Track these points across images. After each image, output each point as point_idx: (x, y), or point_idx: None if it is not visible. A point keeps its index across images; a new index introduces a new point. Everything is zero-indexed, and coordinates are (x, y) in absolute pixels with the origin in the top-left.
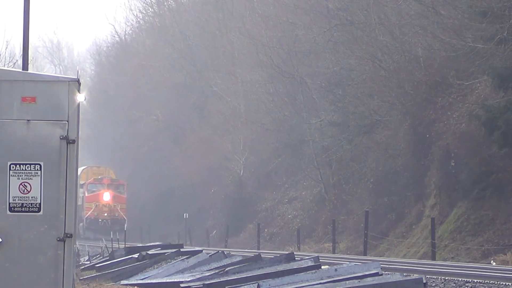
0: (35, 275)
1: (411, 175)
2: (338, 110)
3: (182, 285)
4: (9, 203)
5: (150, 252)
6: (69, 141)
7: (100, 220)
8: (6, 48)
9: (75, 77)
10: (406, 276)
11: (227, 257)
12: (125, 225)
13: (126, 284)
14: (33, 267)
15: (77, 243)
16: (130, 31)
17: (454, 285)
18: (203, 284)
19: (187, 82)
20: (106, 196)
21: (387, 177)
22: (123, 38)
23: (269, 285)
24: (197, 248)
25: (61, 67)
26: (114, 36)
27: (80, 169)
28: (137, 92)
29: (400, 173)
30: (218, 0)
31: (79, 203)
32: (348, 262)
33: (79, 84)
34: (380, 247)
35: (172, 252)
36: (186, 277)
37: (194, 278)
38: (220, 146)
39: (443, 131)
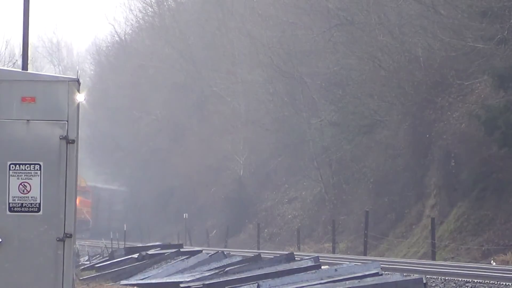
0: (35, 275)
1: (411, 175)
2: (338, 110)
3: (182, 285)
4: (9, 203)
5: (150, 252)
6: (69, 141)
7: None
8: (6, 48)
9: (74, 77)
10: (406, 276)
11: (227, 257)
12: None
13: (126, 284)
14: (33, 267)
15: (76, 243)
16: (130, 31)
17: (454, 285)
18: (203, 284)
19: (187, 82)
20: None
21: (387, 177)
22: (123, 38)
23: (269, 285)
24: (197, 248)
25: (60, 67)
26: (114, 36)
27: None
28: (137, 92)
29: (400, 173)
30: (218, 0)
31: None
32: (348, 262)
33: (79, 84)
34: (380, 247)
35: (172, 252)
36: (186, 277)
37: (194, 278)
38: (220, 146)
39: (443, 131)
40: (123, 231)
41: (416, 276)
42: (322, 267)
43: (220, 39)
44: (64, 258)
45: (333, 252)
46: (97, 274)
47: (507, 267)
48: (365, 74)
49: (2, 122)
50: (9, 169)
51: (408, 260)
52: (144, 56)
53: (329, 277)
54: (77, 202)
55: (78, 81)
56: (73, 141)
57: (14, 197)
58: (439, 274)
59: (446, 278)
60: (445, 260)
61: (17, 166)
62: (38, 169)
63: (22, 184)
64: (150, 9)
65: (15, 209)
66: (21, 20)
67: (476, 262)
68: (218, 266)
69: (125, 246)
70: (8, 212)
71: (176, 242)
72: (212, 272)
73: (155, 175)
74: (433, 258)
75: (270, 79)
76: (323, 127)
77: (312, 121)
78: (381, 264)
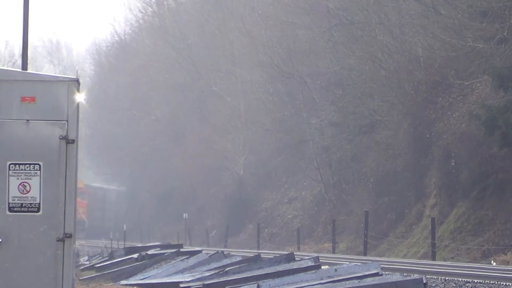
0: (35, 275)
1: (411, 175)
2: (338, 110)
3: (181, 285)
4: (9, 203)
5: (149, 252)
6: (69, 141)
7: None
8: (6, 48)
9: (74, 77)
10: (406, 276)
11: (226, 257)
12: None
13: (126, 284)
14: (33, 267)
15: (76, 243)
16: (130, 31)
17: (454, 285)
18: (203, 284)
19: (187, 82)
20: None
21: (387, 177)
22: (123, 38)
23: (269, 285)
24: (196, 248)
25: (60, 67)
26: (114, 36)
27: None
28: (137, 92)
29: (400, 173)
30: (218, 0)
31: None
32: (348, 262)
33: (79, 84)
34: (380, 247)
35: (171, 252)
36: (185, 277)
37: (194, 278)
38: (220, 146)
39: (443, 131)
40: (123, 231)
41: (416, 276)
42: (322, 267)
43: (220, 39)
44: (64, 258)
45: (333, 252)
46: (97, 274)
47: (507, 267)
48: (365, 74)
49: (2, 122)
50: (9, 169)
51: (408, 260)
52: (144, 56)
53: (329, 277)
54: None
55: (78, 81)
56: (72, 141)
57: (14, 197)
58: (439, 274)
59: (446, 278)
60: (445, 260)
61: (17, 166)
62: (38, 169)
63: (22, 184)
64: (150, 9)
65: (15, 209)
66: (21, 20)
67: (476, 262)
68: (218, 266)
69: (125, 246)
70: (8, 212)
71: (176, 242)
72: (212, 272)
73: (155, 175)
74: (433, 258)
75: (270, 79)
76: (323, 127)
77: (312, 121)
78: (381, 264)
